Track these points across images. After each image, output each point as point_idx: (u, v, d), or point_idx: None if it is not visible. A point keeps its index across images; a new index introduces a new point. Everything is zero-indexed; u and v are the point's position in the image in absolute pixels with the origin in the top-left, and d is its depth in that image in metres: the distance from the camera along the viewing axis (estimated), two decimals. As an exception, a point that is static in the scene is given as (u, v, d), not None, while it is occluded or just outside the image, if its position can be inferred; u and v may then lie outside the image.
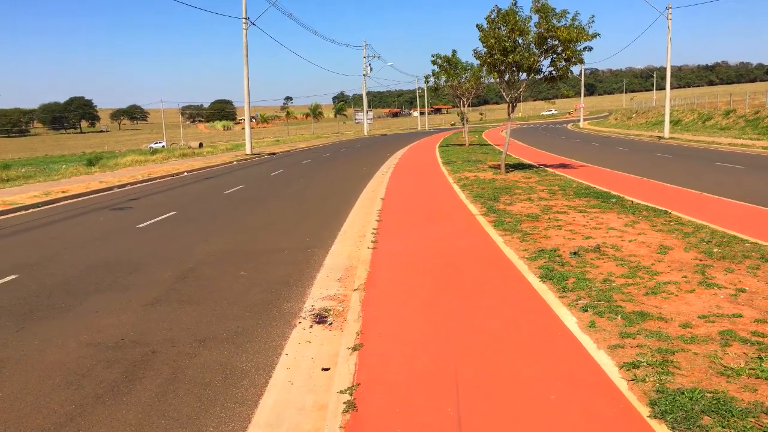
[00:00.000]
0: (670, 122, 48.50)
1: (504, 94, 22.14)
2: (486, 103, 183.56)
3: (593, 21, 19.55)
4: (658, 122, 58.01)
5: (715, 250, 8.92)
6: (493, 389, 4.83)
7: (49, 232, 13.97)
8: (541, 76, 21.18)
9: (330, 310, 7.35)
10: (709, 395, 4.47)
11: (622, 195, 15.07)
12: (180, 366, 5.84)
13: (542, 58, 20.43)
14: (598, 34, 19.51)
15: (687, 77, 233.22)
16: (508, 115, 23.41)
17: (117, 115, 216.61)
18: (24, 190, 21.96)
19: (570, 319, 6.29)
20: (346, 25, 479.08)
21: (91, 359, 6.06)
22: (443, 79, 39.48)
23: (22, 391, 5.40)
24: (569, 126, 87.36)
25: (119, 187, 23.23)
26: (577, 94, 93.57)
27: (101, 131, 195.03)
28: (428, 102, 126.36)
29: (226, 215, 15.28)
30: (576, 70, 28.27)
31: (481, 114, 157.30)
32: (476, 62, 23.76)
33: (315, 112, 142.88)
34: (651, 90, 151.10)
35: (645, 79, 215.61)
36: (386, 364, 5.42)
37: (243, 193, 20.11)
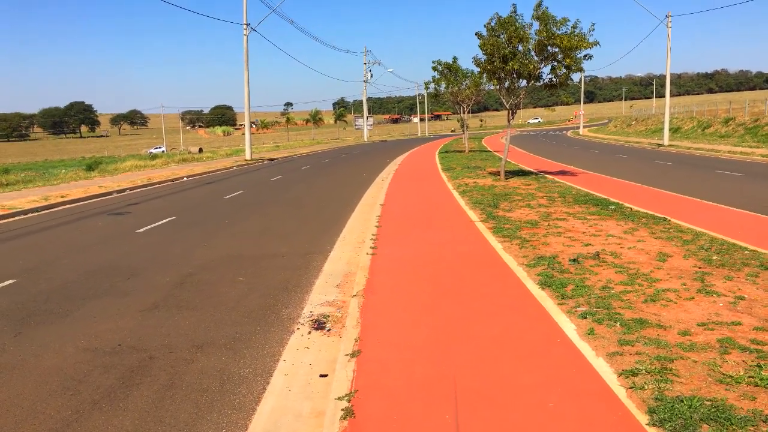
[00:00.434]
0: (670, 130, 48.56)
1: (504, 101, 22.17)
2: (486, 109, 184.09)
3: (594, 29, 19.61)
4: (658, 130, 58.12)
5: (715, 257, 8.92)
6: (492, 396, 4.81)
7: (47, 236, 13.96)
8: (541, 83, 21.22)
9: (328, 316, 7.34)
10: (708, 403, 4.46)
11: (621, 202, 15.07)
12: (177, 372, 5.82)
13: (542, 65, 20.47)
14: (598, 43, 19.55)
15: (686, 85, 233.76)
16: (508, 121, 23.44)
17: (117, 120, 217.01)
18: (23, 194, 21.95)
19: (569, 326, 6.27)
20: (347, 32, 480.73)
21: (88, 365, 6.04)
22: (443, 85, 39.58)
23: (19, 397, 5.37)
24: (569, 133, 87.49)
25: (118, 191, 23.22)
26: (577, 101, 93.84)
27: (101, 136, 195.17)
28: (428, 108, 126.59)
29: (225, 220, 15.27)
30: (576, 77, 28.30)
31: (481, 120, 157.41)
32: (476, 69, 23.81)
33: (315, 118, 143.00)
34: (651, 97, 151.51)
35: (645, 87, 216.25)
36: (384, 371, 5.40)
37: (242, 199, 20.11)
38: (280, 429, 4.71)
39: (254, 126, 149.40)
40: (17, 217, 16.87)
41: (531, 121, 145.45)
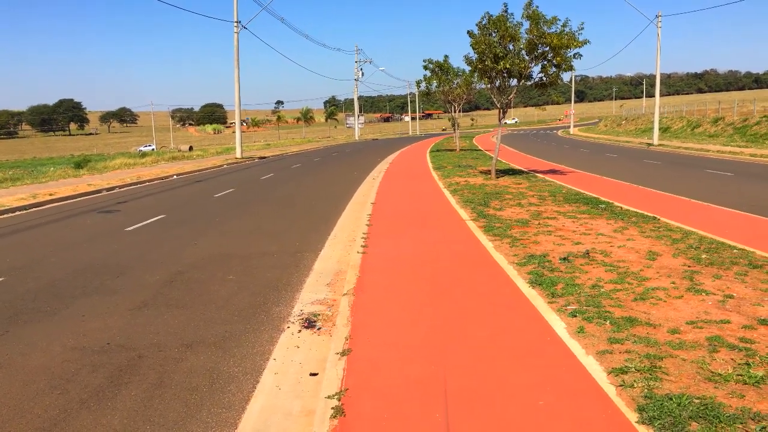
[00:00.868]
0: (660, 129, 48.83)
1: (495, 100, 22.20)
2: (477, 108, 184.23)
3: (583, 28, 19.68)
4: (648, 129, 58.44)
5: (704, 256, 8.97)
6: (482, 395, 4.81)
7: (36, 234, 13.85)
8: (532, 82, 21.27)
9: (319, 314, 7.32)
10: (696, 401, 4.48)
11: (611, 201, 15.13)
12: (166, 371, 5.78)
13: (533, 64, 20.52)
14: (588, 41, 19.63)
15: (676, 85, 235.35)
16: (499, 120, 23.48)
17: (106, 117, 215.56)
18: (11, 192, 21.77)
19: (559, 325, 6.29)
20: (338, 30, 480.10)
21: (76, 363, 5.99)
22: (435, 84, 39.60)
23: (5, 396, 5.32)
24: (559, 132, 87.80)
25: (108, 190, 23.08)
26: (568, 100, 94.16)
27: (90, 134, 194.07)
28: (419, 107, 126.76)
29: (215, 219, 15.20)
30: (566, 77, 28.45)
31: (472, 119, 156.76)
32: (467, 68, 23.83)
33: (306, 117, 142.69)
34: (641, 97, 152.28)
35: (635, 87, 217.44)
36: (375, 370, 5.39)
37: (233, 197, 20.03)
38: (269, 428, 4.69)
39: (245, 124, 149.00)
40: (5, 215, 16.72)
41: (507, 122, 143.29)
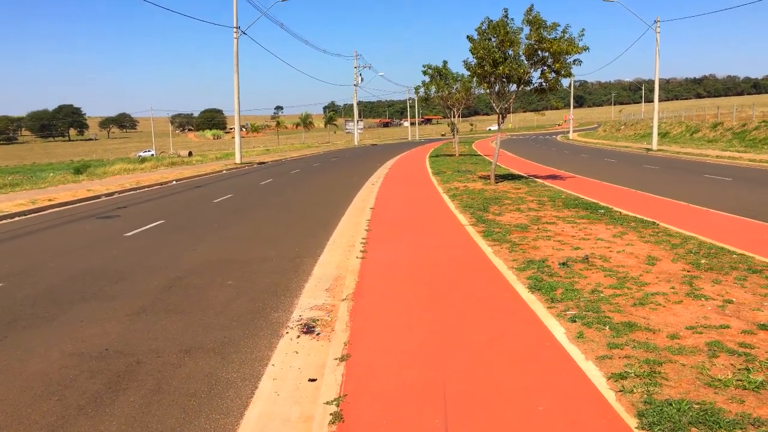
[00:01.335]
0: (659, 134, 48.91)
1: (494, 105, 22.22)
2: (476, 113, 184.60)
3: (584, 34, 19.71)
4: (647, 134, 58.51)
5: (703, 261, 8.96)
6: (481, 400, 4.80)
7: (34, 240, 13.83)
8: (531, 87, 21.30)
9: (318, 320, 7.30)
10: (696, 406, 4.47)
11: (610, 206, 15.13)
12: (165, 376, 5.76)
13: (532, 69, 20.55)
14: (588, 48, 19.66)
15: (675, 90, 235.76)
16: (498, 125, 23.51)
17: (106, 123, 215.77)
18: (10, 198, 21.73)
19: (558, 330, 6.27)
20: (338, 36, 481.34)
21: (74, 369, 5.97)
22: (434, 89, 39.67)
23: (3, 402, 5.30)
24: (559, 137, 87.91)
25: (107, 195, 23.06)
26: (567, 105, 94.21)
27: (90, 139, 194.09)
28: (419, 112, 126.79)
29: (214, 224, 15.19)
30: (565, 82, 28.48)
31: (471, 125, 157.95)
32: (467, 73, 23.87)
33: (305, 122, 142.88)
34: (639, 102, 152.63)
35: (633, 92, 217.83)
36: (374, 375, 5.37)
37: (232, 202, 20.02)
38: (268, 434, 4.67)
39: (244, 129, 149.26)
40: (4, 221, 16.69)
41: (491, 128, 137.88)
